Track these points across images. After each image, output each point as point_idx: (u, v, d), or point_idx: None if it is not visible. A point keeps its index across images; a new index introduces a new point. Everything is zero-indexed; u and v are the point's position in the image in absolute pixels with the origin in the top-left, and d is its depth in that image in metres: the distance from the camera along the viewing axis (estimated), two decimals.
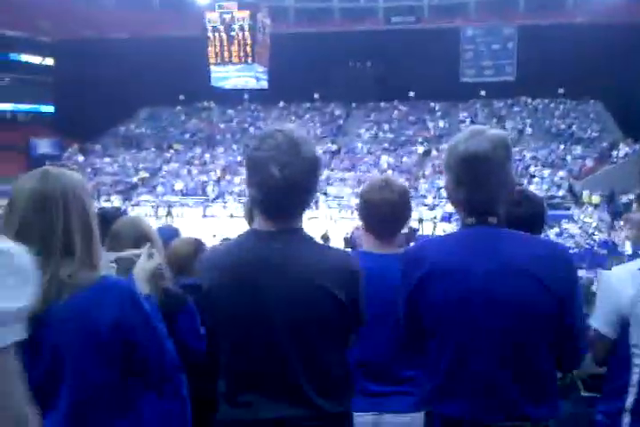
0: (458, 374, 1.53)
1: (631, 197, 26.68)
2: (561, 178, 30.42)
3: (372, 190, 2.02)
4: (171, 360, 1.56)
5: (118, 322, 1.42)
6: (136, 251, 1.84)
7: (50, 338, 1.38)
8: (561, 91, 37.88)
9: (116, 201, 29.65)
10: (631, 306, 1.73)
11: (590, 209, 26.51)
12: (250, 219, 2.45)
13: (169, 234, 2.91)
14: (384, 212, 1.99)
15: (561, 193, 28.95)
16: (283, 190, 1.47)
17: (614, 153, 31.46)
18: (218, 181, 33.34)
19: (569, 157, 32.36)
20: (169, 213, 27.57)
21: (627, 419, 1.74)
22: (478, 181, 1.52)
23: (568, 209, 26.74)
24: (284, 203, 1.51)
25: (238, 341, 1.53)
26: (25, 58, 42.54)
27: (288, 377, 1.50)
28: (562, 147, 33.43)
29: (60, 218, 1.43)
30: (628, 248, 18.08)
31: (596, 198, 27.18)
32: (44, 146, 35.16)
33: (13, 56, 41.98)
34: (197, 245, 2.82)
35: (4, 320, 0.92)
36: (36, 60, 42.76)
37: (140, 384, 1.55)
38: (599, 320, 1.80)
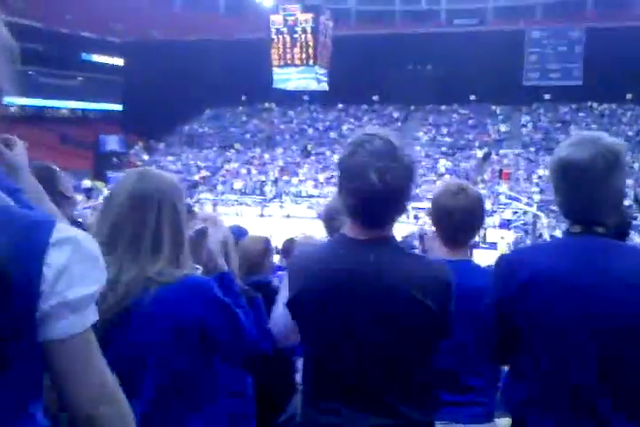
0: (554, 387, 1.47)
1: None
2: (627, 187, 29.44)
3: (446, 196, 1.98)
4: (253, 348, 1.61)
5: (199, 317, 1.48)
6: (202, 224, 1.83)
7: (134, 332, 1.44)
8: (629, 96, 36.66)
9: None
10: None
11: None
12: (329, 225, 2.44)
13: (238, 233, 2.99)
14: (458, 218, 1.94)
15: (626, 203, 28.07)
16: (381, 197, 1.43)
17: None
18: (275, 181, 33.86)
19: (636, 165, 31.31)
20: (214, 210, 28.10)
21: None
22: (572, 189, 1.49)
23: (635, 219, 25.92)
24: (381, 210, 1.46)
25: (324, 348, 1.52)
26: (96, 58, 44.37)
27: (375, 388, 1.48)
28: (630, 154, 32.32)
29: (152, 217, 1.48)
30: None
31: None
32: (111, 143, 36.52)
33: (85, 56, 43.88)
34: (267, 243, 2.91)
35: (85, 305, 0.96)
36: (106, 60, 44.55)
37: (216, 379, 1.58)
38: None
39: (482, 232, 23.92)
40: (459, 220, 1.94)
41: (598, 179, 1.47)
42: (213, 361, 1.60)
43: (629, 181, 29.62)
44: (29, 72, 40.90)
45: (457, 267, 1.87)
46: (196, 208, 26.52)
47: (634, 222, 24.97)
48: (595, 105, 37.81)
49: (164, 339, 1.46)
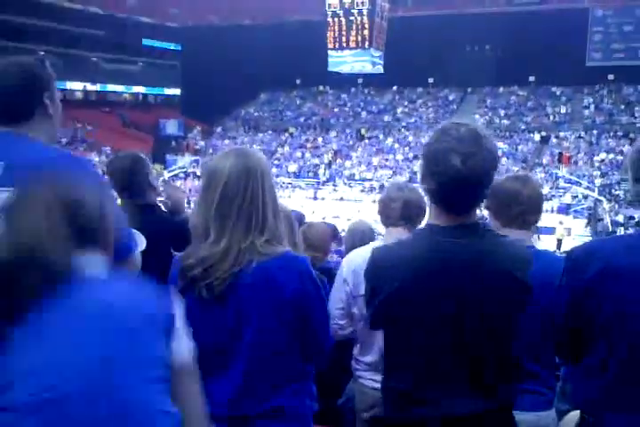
0: (630, 379, 1.42)
1: None
2: None
3: (510, 181, 2.05)
4: (329, 342, 1.65)
5: (298, 292, 1.51)
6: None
7: (237, 300, 1.49)
8: None
9: None
10: None
11: None
12: (384, 214, 2.42)
13: (298, 218, 3.02)
14: (526, 201, 2.01)
15: None
16: (463, 181, 1.44)
17: None
18: (329, 164, 34.02)
19: None
20: None
21: None
22: None
23: None
24: (465, 195, 1.48)
25: (428, 340, 1.50)
26: (155, 43, 45.37)
27: (477, 373, 1.49)
28: None
29: (259, 189, 1.51)
30: None
31: None
32: (170, 127, 37.46)
33: (146, 41, 44.91)
34: (334, 231, 3.00)
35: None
36: (165, 45, 45.50)
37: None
38: None
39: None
40: (527, 202, 2.01)
41: None
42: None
43: None
44: (93, 58, 42.31)
45: (541, 256, 1.92)
46: None
47: None
48: None
49: (263, 310, 1.49)
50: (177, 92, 45.02)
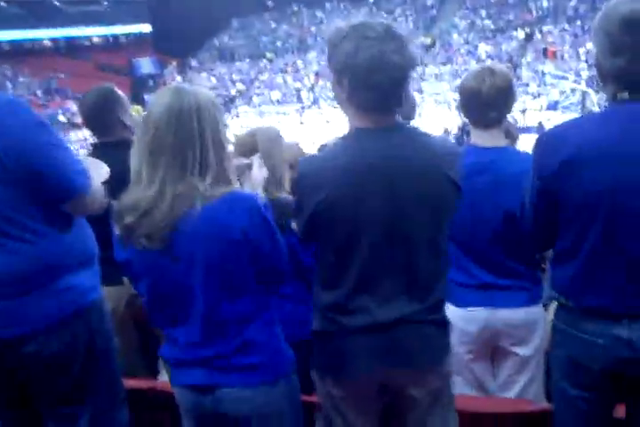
0: (604, 262, 1.43)
1: None
2: None
3: (473, 77, 1.96)
4: (287, 271, 1.64)
5: (247, 230, 1.47)
6: (245, 160, 1.80)
7: (185, 244, 1.45)
8: None
9: None
10: None
11: None
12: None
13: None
14: (488, 98, 1.91)
15: None
16: (379, 78, 1.40)
17: None
18: (312, 87, 33.29)
19: None
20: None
21: None
22: (636, 47, 1.37)
23: None
24: (378, 93, 1.43)
25: (367, 246, 1.47)
26: None
27: (413, 274, 1.49)
28: None
29: (195, 133, 1.44)
30: None
31: None
32: (145, 66, 36.52)
33: None
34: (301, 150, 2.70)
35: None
36: None
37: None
38: None
39: (526, 116, 23.21)
40: (487, 98, 1.91)
41: None
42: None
43: None
44: (55, 2, 40.60)
45: (494, 154, 1.92)
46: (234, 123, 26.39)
47: None
48: None
49: (213, 253, 1.47)
50: (148, 28, 43.46)
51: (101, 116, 2.51)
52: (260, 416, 1.55)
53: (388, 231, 1.45)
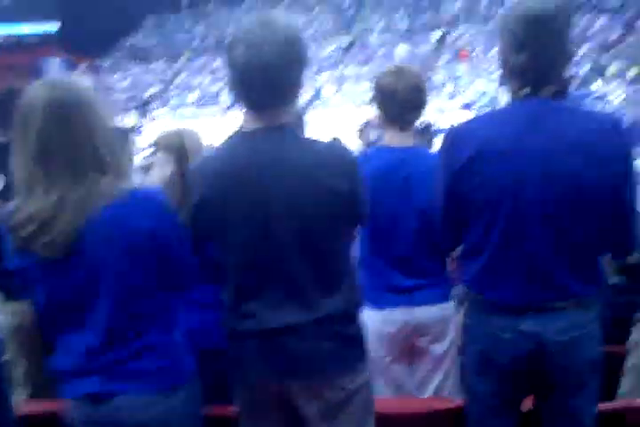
0: (506, 257, 1.49)
1: None
2: (584, 53, 28.74)
3: (386, 77, 2.00)
4: (196, 273, 1.61)
5: (154, 231, 1.43)
6: (149, 159, 1.80)
7: (88, 249, 1.39)
8: None
9: (133, 117, 29.69)
10: None
11: (615, 84, 25.27)
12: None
13: None
14: (401, 97, 1.96)
15: (585, 68, 27.49)
16: (248, 74, 1.39)
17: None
18: None
19: (593, 29, 30.33)
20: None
21: None
22: (542, 43, 1.44)
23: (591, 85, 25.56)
24: (258, 90, 1.41)
25: (240, 250, 1.49)
26: None
27: (293, 282, 1.46)
28: (587, 17, 31.22)
29: (84, 128, 1.37)
30: None
31: (635, 70, 25.80)
32: (54, 67, 34.78)
33: None
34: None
35: None
36: None
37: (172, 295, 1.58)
38: None
39: (436, 117, 23.73)
40: (402, 98, 1.96)
41: (562, 32, 1.45)
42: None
43: (587, 46, 28.85)
44: None
45: (405, 153, 1.95)
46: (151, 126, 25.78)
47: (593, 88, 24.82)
48: None
49: (118, 255, 1.41)
50: (55, 27, 41.40)
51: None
52: (159, 425, 1.49)
53: (259, 238, 1.44)
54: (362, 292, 1.59)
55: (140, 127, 26.08)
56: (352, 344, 1.54)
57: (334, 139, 20.70)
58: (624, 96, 22.81)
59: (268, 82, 1.39)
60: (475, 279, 1.56)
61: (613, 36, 29.22)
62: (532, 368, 1.49)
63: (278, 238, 1.44)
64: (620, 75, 26.30)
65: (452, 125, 1.62)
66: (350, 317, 1.54)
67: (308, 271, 1.46)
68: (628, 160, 1.46)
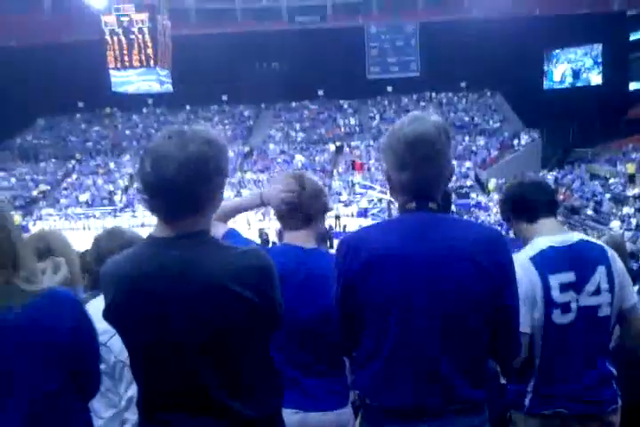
0: (399, 362, 1.52)
1: None
2: (468, 168, 31.26)
3: (288, 182, 2.01)
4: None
5: (74, 332, 1.42)
6: (41, 264, 1.76)
7: (2, 346, 1.35)
8: (463, 84, 39.03)
9: (16, 217, 27.86)
10: (532, 295, 1.92)
11: (496, 196, 27.33)
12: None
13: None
14: (299, 202, 1.97)
15: (469, 183, 29.73)
16: (152, 186, 1.38)
17: (516, 142, 32.70)
18: (126, 189, 32.09)
19: (474, 148, 33.33)
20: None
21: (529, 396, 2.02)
22: (423, 163, 1.52)
23: (471, 198, 27.49)
24: (164, 201, 1.40)
25: (145, 359, 1.47)
26: None
27: (202, 391, 1.42)
28: (467, 138, 34.39)
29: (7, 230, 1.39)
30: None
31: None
32: None
33: None
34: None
35: None
36: None
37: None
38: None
39: (340, 222, 24.32)
40: (298, 202, 1.98)
41: (441, 152, 1.53)
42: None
43: (468, 164, 31.46)
44: None
45: (313, 255, 1.97)
46: (36, 226, 24.32)
47: (474, 200, 26.64)
48: (433, 94, 39.84)
49: (32, 354, 1.37)
50: None
51: None
52: None
53: (158, 348, 1.42)
54: (279, 396, 1.55)
55: (25, 226, 24.59)
56: None
57: (260, 230, 20.14)
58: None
59: (171, 196, 1.39)
60: (370, 385, 1.57)
61: (492, 154, 32.16)
62: None
63: (182, 350, 1.41)
64: (499, 188, 28.66)
65: (345, 235, 1.70)
66: (270, 421, 1.51)
67: (217, 380, 1.43)
68: (510, 268, 1.56)
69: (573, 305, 1.93)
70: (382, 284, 1.49)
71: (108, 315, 1.48)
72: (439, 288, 1.48)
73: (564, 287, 1.93)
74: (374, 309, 1.52)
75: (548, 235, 2.01)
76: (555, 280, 1.93)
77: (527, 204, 2.06)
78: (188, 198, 1.40)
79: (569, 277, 1.94)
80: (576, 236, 2.06)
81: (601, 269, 1.96)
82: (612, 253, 2.02)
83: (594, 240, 2.11)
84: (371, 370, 1.55)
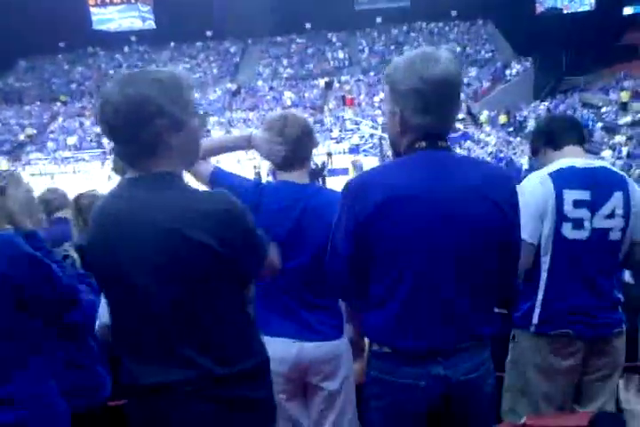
0: (415, 304, 1.50)
1: (525, 113, 27.54)
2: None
3: (272, 124, 1.98)
4: (70, 293, 1.65)
5: (10, 277, 1.49)
6: None
7: None
8: (454, 13, 37.90)
9: (3, 162, 27.65)
10: (544, 207, 1.98)
11: (488, 128, 27.22)
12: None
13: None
14: (290, 142, 1.94)
15: (461, 116, 29.46)
16: (106, 133, 1.37)
17: (508, 72, 32.16)
18: None
19: (466, 80, 32.80)
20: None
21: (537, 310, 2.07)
22: (448, 105, 1.48)
23: (467, 131, 27.34)
24: (117, 146, 1.38)
25: (112, 303, 1.48)
26: None
27: (165, 340, 1.39)
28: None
29: None
30: (524, 163, 18.78)
31: (503, 118, 28.00)
32: None
33: None
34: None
35: None
36: None
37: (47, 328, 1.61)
38: (525, 231, 1.84)
39: (328, 159, 24.21)
40: (289, 142, 1.95)
41: (459, 93, 1.50)
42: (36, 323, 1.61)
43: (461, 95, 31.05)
44: None
45: (306, 190, 1.96)
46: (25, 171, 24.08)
47: (470, 132, 26.52)
48: (424, 25, 38.74)
49: None
50: None
51: None
52: None
53: (127, 287, 1.38)
54: (258, 354, 1.50)
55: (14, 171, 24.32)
56: (239, 409, 1.42)
57: (254, 167, 20.00)
58: (494, 141, 24.49)
59: (118, 140, 1.37)
60: (383, 330, 1.55)
61: (484, 86, 31.68)
62: (443, 412, 1.54)
63: (145, 295, 1.37)
64: (492, 121, 28.44)
65: (352, 178, 1.64)
66: (242, 377, 1.43)
67: (182, 330, 1.39)
68: (518, 207, 1.58)
69: (587, 224, 1.99)
70: (398, 225, 1.46)
71: (80, 253, 1.58)
72: (455, 227, 1.47)
73: (577, 203, 1.99)
74: (390, 250, 1.49)
75: (572, 158, 2.08)
76: (569, 195, 1.99)
77: (554, 134, 2.15)
78: (132, 142, 1.35)
79: (584, 195, 1.99)
80: (600, 162, 2.12)
81: (618, 195, 2.02)
82: (633, 183, 2.07)
83: (617, 170, 2.17)
84: (385, 313, 1.52)
